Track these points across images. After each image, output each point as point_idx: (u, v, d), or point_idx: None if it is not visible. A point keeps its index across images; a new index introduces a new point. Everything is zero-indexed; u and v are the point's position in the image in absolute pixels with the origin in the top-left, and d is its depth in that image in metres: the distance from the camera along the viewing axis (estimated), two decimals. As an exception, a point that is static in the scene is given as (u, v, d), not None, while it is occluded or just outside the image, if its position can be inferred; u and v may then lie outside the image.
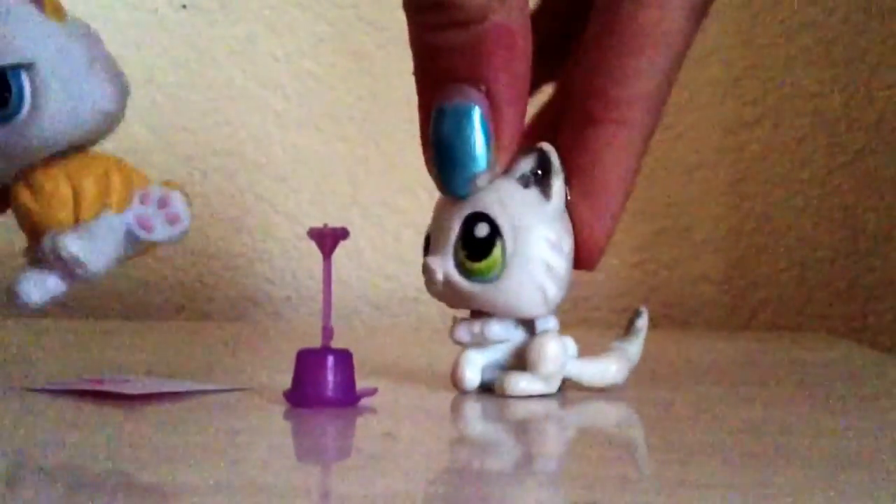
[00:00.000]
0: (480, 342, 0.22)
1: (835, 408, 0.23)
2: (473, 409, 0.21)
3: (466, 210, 0.21)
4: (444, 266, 0.21)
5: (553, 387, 0.22)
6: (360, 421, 0.20)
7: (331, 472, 0.16)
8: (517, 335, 0.22)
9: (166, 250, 0.48)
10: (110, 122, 0.23)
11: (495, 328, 0.22)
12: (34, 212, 0.22)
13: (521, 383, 0.22)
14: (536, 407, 0.22)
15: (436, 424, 0.21)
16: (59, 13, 0.22)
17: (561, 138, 0.22)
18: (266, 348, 0.36)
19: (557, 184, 0.21)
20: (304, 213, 0.48)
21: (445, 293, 0.22)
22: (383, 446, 0.18)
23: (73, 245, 0.21)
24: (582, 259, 0.22)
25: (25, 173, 0.22)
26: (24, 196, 0.22)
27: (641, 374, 0.30)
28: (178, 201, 0.23)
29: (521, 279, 0.21)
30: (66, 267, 0.22)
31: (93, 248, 0.22)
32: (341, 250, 0.21)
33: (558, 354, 0.22)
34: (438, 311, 0.43)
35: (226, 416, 0.20)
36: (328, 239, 0.20)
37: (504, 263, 0.21)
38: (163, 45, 0.49)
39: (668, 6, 0.21)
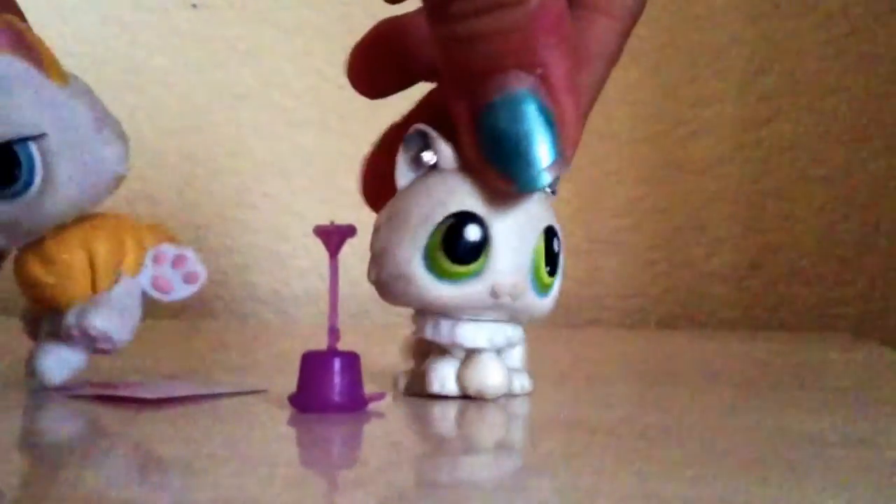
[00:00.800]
0: (497, 346, 0.21)
1: (865, 414, 0.22)
2: (484, 414, 0.21)
3: (540, 223, 0.20)
4: (527, 282, 0.20)
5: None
6: (367, 428, 0.19)
7: (336, 484, 0.15)
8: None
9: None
10: (119, 182, 0.22)
11: (519, 333, 0.22)
12: (49, 284, 0.21)
13: (526, 383, 0.22)
14: (545, 409, 0.21)
15: (447, 430, 0.20)
16: (61, 75, 0.21)
17: None
18: (273, 348, 0.35)
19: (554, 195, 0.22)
20: (313, 212, 0.48)
21: (511, 308, 0.20)
22: (391, 455, 0.17)
23: (101, 322, 0.21)
24: None
25: (34, 243, 0.21)
26: (35, 268, 0.21)
27: (656, 377, 0.29)
28: (193, 259, 0.22)
29: (558, 289, 0.21)
30: (91, 342, 0.21)
31: (118, 319, 0.21)
32: (349, 248, 0.20)
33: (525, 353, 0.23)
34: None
35: (229, 422, 0.19)
36: (334, 237, 0.20)
37: (559, 276, 0.21)
38: (172, 44, 0.49)
39: (605, 21, 0.21)
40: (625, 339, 0.41)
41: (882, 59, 0.46)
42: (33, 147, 0.20)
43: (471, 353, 0.21)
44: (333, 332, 0.20)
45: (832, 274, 0.46)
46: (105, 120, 0.21)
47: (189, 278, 0.22)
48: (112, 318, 0.21)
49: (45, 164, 0.20)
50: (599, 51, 0.21)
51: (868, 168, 0.46)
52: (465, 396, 0.21)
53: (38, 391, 0.22)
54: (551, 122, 0.19)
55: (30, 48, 0.20)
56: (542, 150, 0.19)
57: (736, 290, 0.46)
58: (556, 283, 0.21)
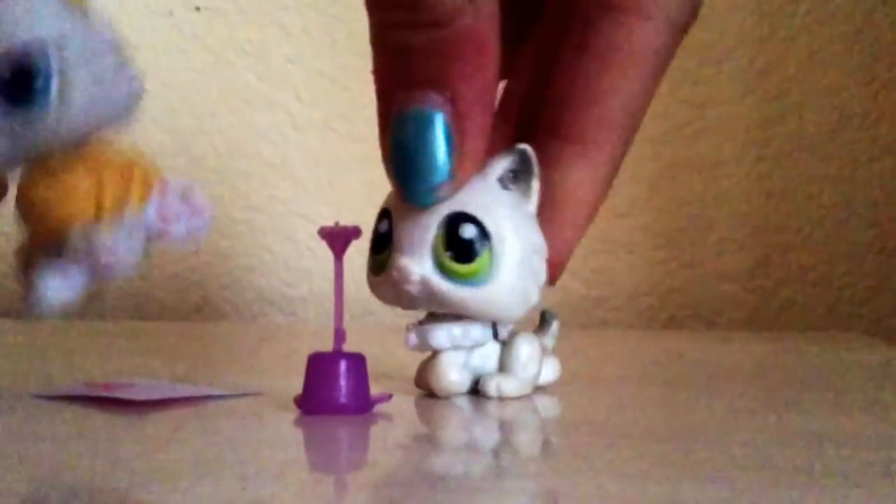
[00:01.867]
0: (459, 346, 0.21)
1: (877, 414, 0.22)
2: (491, 415, 0.21)
3: (445, 209, 0.20)
4: (422, 268, 0.20)
5: (531, 387, 0.22)
6: (373, 429, 0.19)
7: (343, 485, 0.15)
8: (490, 337, 0.22)
9: (180, 251, 0.48)
10: (135, 106, 0.21)
11: (477, 332, 0.21)
12: (52, 205, 0.20)
13: (509, 385, 0.22)
14: (553, 410, 0.21)
15: (453, 431, 0.20)
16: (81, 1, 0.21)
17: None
18: (280, 349, 0.35)
19: (536, 185, 0.21)
20: (318, 213, 0.48)
21: (419, 297, 0.20)
22: (398, 457, 0.17)
23: (108, 239, 0.20)
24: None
25: (41, 161, 0.20)
26: (40, 185, 0.20)
27: (663, 378, 0.29)
28: (198, 192, 0.21)
29: (508, 284, 0.20)
30: (96, 263, 0.20)
31: (125, 243, 0.20)
32: (354, 249, 0.20)
33: (539, 356, 0.22)
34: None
35: (234, 424, 0.19)
36: (339, 238, 0.20)
37: (492, 267, 0.20)
38: (177, 47, 0.49)
39: (647, 25, 0.21)
40: (632, 339, 0.41)
41: (888, 57, 0.45)
42: (52, 53, 0.19)
43: (436, 352, 0.21)
44: (339, 334, 0.20)
45: (842, 273, 0.45)
46: (121, 46, 0.21)
47: (194, 211, 0.21)
48: (119, 240, 0.20)
49: (62, 73, 0.19)
50: (631, 55, 0.21)
51: (876, 166, 0.45)
52: (474, 392, 0.22)
53: (30, 395, 0.21)
54: (450, 145, 0.19)
55: None
56: (434, 170, 0.19)
57: (744, 290, 0.46)
58: (495, 273, 0.20)
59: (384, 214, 0.21)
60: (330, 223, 0.20)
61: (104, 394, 0.21)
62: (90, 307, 0.46)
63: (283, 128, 0.49)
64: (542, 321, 0.24)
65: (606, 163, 0.22)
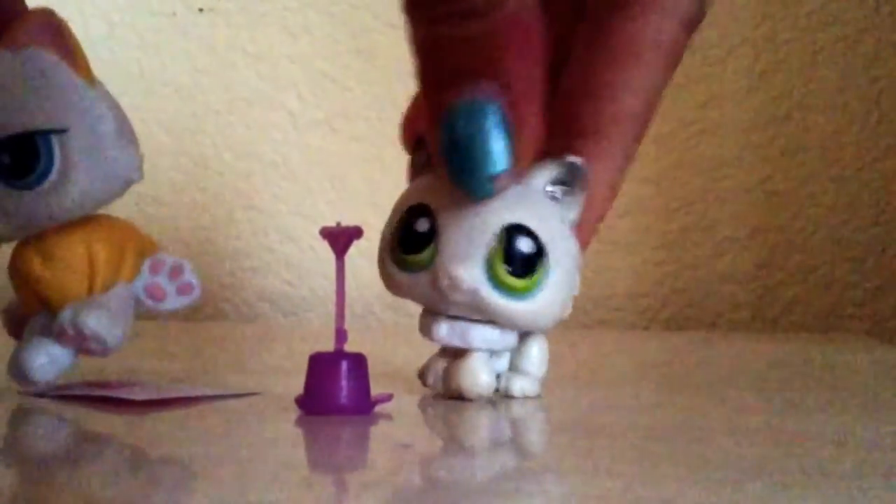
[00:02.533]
0: (491, 349, 0.21)
1: (879, 416, 0.22)
2: (492, 415, 0.21)
3: (499, 219, 0.20)
4: (474, 277, 0.20)
5: (541, 387, 0.22)
6: (374, 429, 0.19)
7: (344, 486, 0.15)
8: (515, 342, 0.22)
9: (183, 251, 0.48)
10: (129, 186, 0.22)
11: (511, 337, 0.21)
12: (45, 280, 0.21)
13: (526, 385, 0.22)
14: (553, 411, 0.21)
15: (454, 432, 0.20)
16: (90, 76, 0.21)
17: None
18: (281, 349, 0.35)
19: (581, 198, 0.21)
20: (320, 213, 0.48)
21: (463, 304, 0.20)
22: (399, 457, 0.17)
23: (95, 323, 0.20)
24: None
25: (35, 237, 0.21)
26: (34, 262, 0.21)
27: (666, 378, 0.29)
28: (189, 271, 0.22)
29: (552, 297, 0.20)
30: (83, 343, 0.21)
31: (112, 323, 0.21)
32: (355, 249, 0.20)
33: (547, 356, 0.22)
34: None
35: (234, 424, 0.19)
36: (341, 238, 0.20)
37: (543, 282, 0.20)
38: (180, 47, 0.49)
39: (658, 20, 0.20)
40: (633, 340, 0.41)
41: (891, 57, 0.45)
42: (55, 141, 0.20)
43: (460, 352, 0.21)
44: (340, 334, 0.20)
45: (843, 274, 0.45)
46: (124, 126, 0.21)
47: (183, 290, 0.22)
48: (106, 321, 0.21)
49: (63, 160, 0.20)
50: (645, 49, 0.21)
51: (878, 167, 0.45)
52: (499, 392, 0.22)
53: (30, 394, 0.21)
54: (508, 133, 0.19)
55: (65, 44, 0.21)
56: (493, 160, 0.19)
57: (745, 291, 0.46)
58: (544, 287, 0.20)
59: (422, 212, 0.20)
60: (331, 223, 0.20)
61: (104, 393, 0.21)
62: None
63: (285, 127, 0.49)
64: None
65: (620, 159, 0.21)
